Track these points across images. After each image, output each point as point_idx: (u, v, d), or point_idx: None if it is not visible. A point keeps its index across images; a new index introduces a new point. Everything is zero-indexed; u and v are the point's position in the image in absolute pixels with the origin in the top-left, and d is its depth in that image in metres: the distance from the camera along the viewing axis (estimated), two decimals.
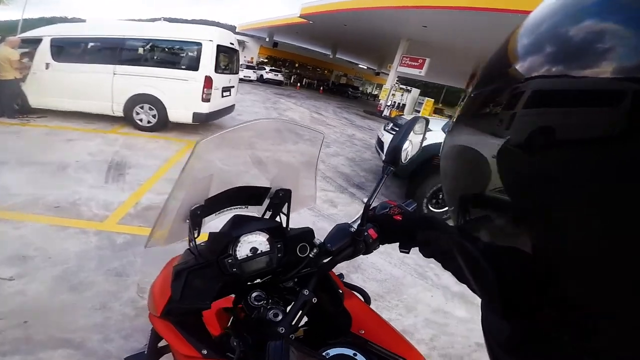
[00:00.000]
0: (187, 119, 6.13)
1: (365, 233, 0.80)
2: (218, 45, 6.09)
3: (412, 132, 0.81)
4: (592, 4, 0.23)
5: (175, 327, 0.71)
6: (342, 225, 0.82)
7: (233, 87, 7.24)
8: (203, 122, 6.38)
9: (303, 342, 0.85)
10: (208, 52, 5.95)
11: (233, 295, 0.88)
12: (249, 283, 0.82)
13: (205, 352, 0.68)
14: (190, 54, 6.15)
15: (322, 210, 4.10)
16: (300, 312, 0.76)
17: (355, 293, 0.94)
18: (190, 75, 5.97)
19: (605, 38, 0.22)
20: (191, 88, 5.95)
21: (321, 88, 29.38)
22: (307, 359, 0.63)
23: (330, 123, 10.93)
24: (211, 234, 0.78)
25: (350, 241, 0.79)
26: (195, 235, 0.78)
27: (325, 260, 0.83)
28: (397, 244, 0.81)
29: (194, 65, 6.00)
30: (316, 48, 35.20)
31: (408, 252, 0.79)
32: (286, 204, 0.89)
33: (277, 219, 0.91)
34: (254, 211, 0.90)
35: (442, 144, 0.36)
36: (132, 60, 6.20)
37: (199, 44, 6.00)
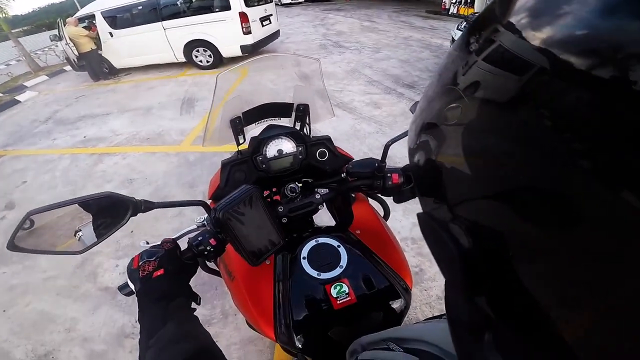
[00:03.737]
0: (237, 52, 6.36)
1: (389, 174, 0.79)
2: None
3: None
4: None
5: None
6: (373, 159, 0.83)
7: (271, 14, 7.10)
8: (252, 52, 6.45)
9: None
10: None
11: None
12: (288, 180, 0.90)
13: None
14: None
15: (363, 112, 3.94)
16: (303, 205, 0.81)
17: (373, 202, 0.97)
18: (227, 15, 6.06)
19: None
20: (231, 26, 6.08)
21: None
22: (261, 208, 0.63)
23: (382, 29, 9.61)
24: (251, 138, 0.91)
25: (370, 174, 0.80)
26: (241, 141, 0.92)
27: (343, 181, 0.89)
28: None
29: (226, 5, 6.03)
30: None
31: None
32: (307, 116, 0.99)
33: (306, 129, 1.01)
34: (285, 122, 1.02)
35: (422, 101, 0.30)
36: (174, 14, 6.47)
37: None
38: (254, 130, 0.99)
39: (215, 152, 3.29)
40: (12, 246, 0.58)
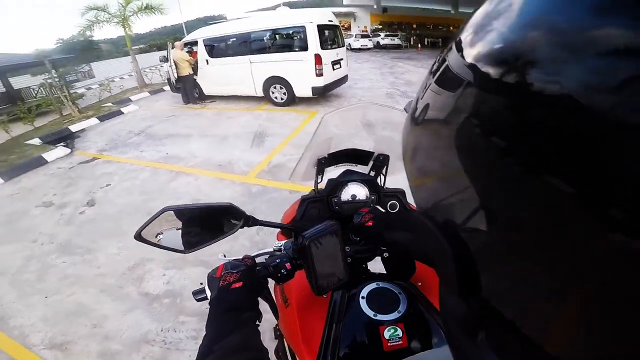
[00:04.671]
0: (308, 93, 6.67)
1: None
2: (318, 25, 6.32)
3: None
4: None
5: None
6: None
7: (342, 59, 7.32)
8: (321, 94, 6.79)
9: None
10: (311, 33, 6.26)
11: None
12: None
13: None
14: (299, 37, 6.55)
15: None
16: (368, 249, 0.82)
17: None
18: (303, 56, 6.43)
19: (493, 18, 0.19)
20: (306, 66, 6.41)
21: None
22: (338, 244, 0.67)
23: None
24: (328, 180, 0.98)
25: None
26: (319, 180, 1.01)
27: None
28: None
29: (304, 46, 6.42)
30: (434, 6, 30.23)
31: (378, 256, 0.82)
32: (385, 167, 1.02)
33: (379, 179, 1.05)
34: (361, 169, 1.07)
35: (405, 123, 0.32)
36: (260, 49, 7.05)
37: (303, 27, 6.35)
38: (331, 172, 1.05)
39: (275, 188, 3.44)
40: (139, 236, 0.64)
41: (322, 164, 0.99)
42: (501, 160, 0.17)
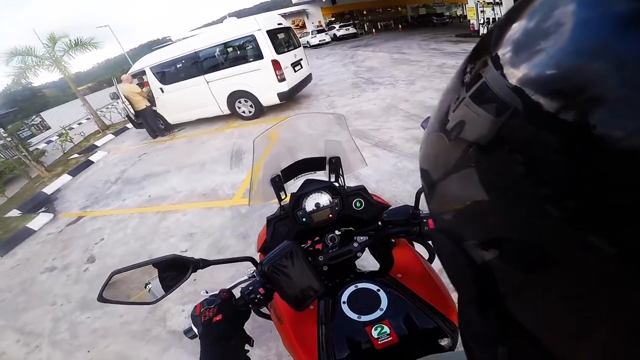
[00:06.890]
0: (275, 100, 6.68)
1: (424, 220, 0.86)
2: (268, 30, 6.27)
3: None
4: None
5: None
6: (408, 207, 0.89)
7: (301, 59, 7.36)
8: (289, 98, 6.82)
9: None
10: (263, 40, 6.22)
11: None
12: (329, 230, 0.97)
13: None
14: (251, 46, 6.46)
15: (404, 149, 3.95)
16: (342, 254, 0.89)
17: (416, 246, 1.01)
18: (261, 64, 6.37)
19: (537, 38, 0.17)
20: (266, 74, 6.37)
21: (400, 26, 25.73)
22: (301, 260, 0.72)
23: (414, 59, 9.72)
24: (291, 194, 1.00)
25: (405, 221, 0.87)
26: (283, 197, 1.02)
27: (379, 230, 0.94)
28: None
29: (258, 54, 6.35)
30: None
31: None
32: (340, 168, 1.07)
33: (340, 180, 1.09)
34: (321, 175, 1.10)
35: (422, 140, 0.31)
36: (214, 67, 6.88)
37: (252, 36, 6.28)
38: (294, 184, 1.07)
39: (264, 204, 3.49)
40: (101, 298, 0.69)
41: (278, 181, 1.00)
42: (542, 206, 0.15)
